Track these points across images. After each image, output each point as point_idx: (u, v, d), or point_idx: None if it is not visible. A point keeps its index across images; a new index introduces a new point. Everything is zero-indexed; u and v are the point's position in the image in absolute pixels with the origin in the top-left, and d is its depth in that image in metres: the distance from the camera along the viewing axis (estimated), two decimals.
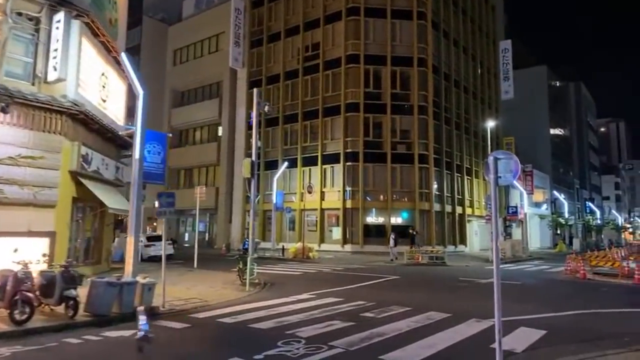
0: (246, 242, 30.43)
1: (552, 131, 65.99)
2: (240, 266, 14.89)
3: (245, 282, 14.04)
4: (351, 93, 33.45)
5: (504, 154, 5.44)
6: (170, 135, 18.44)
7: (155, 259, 24.35)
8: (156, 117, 45.64)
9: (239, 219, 37.97)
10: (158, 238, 27.47)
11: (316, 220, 33.86)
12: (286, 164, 32.91)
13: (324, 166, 34.04)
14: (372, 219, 32.96)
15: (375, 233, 32.33)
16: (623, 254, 27.71)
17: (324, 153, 34.06)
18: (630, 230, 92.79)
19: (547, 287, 16.31)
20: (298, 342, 7.50)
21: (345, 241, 32.26)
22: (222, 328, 8.88)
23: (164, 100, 45.67)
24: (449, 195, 35.96)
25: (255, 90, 16.95)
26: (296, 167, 35.05)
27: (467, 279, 17.39)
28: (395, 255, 25.88)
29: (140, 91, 10.85)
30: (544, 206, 56.80)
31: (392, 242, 26.62)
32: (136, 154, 10.64)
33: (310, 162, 34.69)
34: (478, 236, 39.52)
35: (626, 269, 17.63)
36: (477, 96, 42.08)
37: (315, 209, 33.71)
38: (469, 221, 38.55)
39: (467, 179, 38.59)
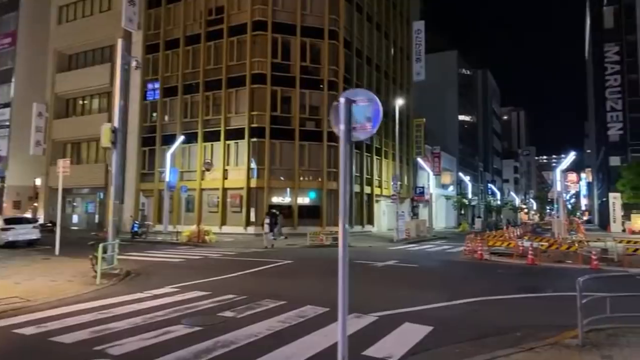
0: (135, 225, 27.33)
1: (460, 116, 68.39)
2: (95, 253, 12.25)
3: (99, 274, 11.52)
4: (258, 63, 30.99)
5: (362, 94, 3.66)
6: None
7: (17, 245, 20.86)
8: (38, 82, 39.96)
9: (131, 199, 34.22)
10: (23, 221, 23.64)
11: (218, 201, 31.31)
12: (182, 138, 29.82)
13: (228, 142, 31.46)
14: (278, 199, 31.13)
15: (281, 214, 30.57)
16: (518, 233, 28.66)
17: (228, 128, 31.45)
18: (526, 210, 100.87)
19: (443, 270, 15.54)
20: None
21: (248, 223, 30.12)
22: (9, 343, 6.45)
23: (47, 63, 39.94)
24: (358, 174, 35.05)
25: (119, 40, 14.03)
26: (197, 142, 32.11)
27: (363, 262, 16.12)
28: (272, 242, 22.05)
29: None
30: (451, 187, 58.73)
31: (266, 227, 21.95)
32: None
33: (212, 137, 31.90)
34: (386, 216, 39.37)
35: (521, 248, 17.91)
36: (389, 76, 41.48)
37: (217, 189, 31.17)
38: (377, 201, 38.14)
39: (377, 158, 38.00)
